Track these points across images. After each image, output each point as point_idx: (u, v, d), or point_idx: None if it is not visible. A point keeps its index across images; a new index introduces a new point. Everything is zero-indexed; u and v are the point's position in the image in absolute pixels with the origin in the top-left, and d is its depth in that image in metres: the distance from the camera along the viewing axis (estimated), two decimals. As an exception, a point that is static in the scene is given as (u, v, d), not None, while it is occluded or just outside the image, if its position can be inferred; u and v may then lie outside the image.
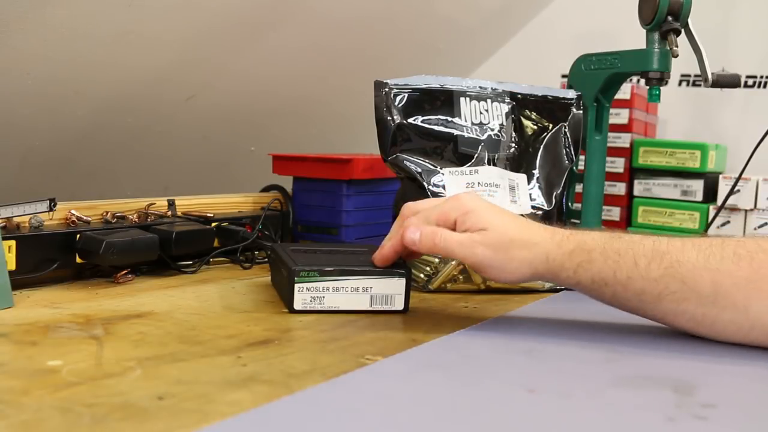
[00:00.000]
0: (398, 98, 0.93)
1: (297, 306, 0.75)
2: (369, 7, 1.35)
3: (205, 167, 1.51)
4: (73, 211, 0.88)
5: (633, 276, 0.66)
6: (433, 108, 0.94)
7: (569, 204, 1.03)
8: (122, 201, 0.95)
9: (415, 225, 0.72)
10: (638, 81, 1.31)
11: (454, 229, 0.71)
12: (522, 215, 0.91)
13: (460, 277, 0.90)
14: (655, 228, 1.24)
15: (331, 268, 0.76)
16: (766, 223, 1.18)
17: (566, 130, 0.98)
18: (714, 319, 0.66)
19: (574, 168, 1.00)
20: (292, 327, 0.71)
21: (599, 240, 0.68)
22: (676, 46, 0.96)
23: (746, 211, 1.19)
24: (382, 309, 0.77)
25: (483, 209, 0.71)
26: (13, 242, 0.79)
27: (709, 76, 0.98)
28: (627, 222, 1.30)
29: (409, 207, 0.76)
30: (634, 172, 1.30)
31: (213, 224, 1.00)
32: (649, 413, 0.52)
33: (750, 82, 1.46)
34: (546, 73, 1.57)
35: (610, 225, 1.28)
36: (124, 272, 0.88)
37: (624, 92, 1.28)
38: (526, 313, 0.82)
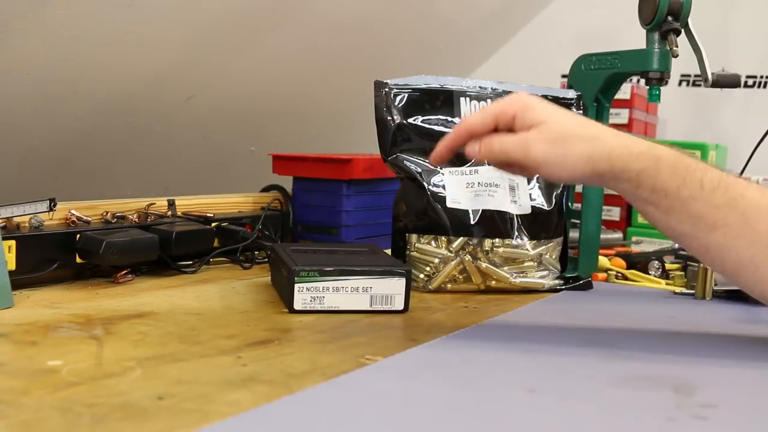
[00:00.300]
0: (398, 98, 0.93)
1: (297, 306, 0.75)
2: (369, 8, 1.35)
3: (205, 167, 1.51)
4: (73, 211, 0.88)
5: (695, 196, 0.63)
6: (433, 108, 0.94)
7: (569, 204, 1.03)
8: (122, 201, 0.95)
9: (475, 119, 0.70)
10: (638, 81, 1.31)
11: (512, 127, 0.68)
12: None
13: (460, 277, 0.90)
14: (655, 228, 1.24)
15: (331, 268, 0.76)
16: (766, 223, 1.17)
17: (566, 130, 0.98)
18: (759, 265, 0.64)
19: (574, 168, 1.00)
20: (292, 327, 0.71)
21: (669, 151, 0.65)
22: (676, 46, 0.96)
23: (746, 211, 1.19)
24: (382, 309, 0.77)
25: (543, 104, 0.68)
26: (13, 242, 0.79)
27: (709, 76, 0.98)
28: (627, 222, 1.30)
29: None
30: (634, 172, 1.29)
31: (213, 224, 1.00)
32: (649, 413, 0.52)
33: (750, 82, 1.46)
34: (546, 73, 1.57)
35: (610, 225, 1.28)
36: (124, 272, 0.88)
37: (624, 92, 1.28)
38: (526, 313, 0.82)
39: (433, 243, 0.90)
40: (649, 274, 1.02)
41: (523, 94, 0.69)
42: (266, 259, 1.02)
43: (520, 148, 0.66)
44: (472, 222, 0.89)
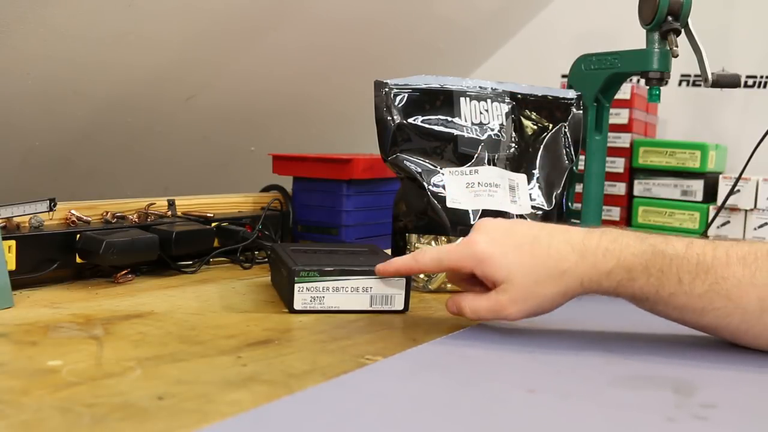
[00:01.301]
0: (398, 98, 0.93)
1: (297, 306, 0.75)
2: (369, 8, 1.35)
3: (205, 167, 1.51)
4: (73, 211, 0.88)
5: (676, 292, 0.64)
6: (433, 108, 0.94)
7: (569, 204, 1.03)
8: (122, 201, 0.95)
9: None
10: (638, 81, 1.31)
11: (472, 274, 0.70)
12: (523, 216, 0.91)
13: (460, 277, 0.90)
14: (655, 228, 1.24)
15: (331, 268, 0.76)
16: (766, 223, 1.18)
17: (566, 130, 0.98)
18: (758, 334, 0.65)
19: (574, 168, 1.00)
20: (292, 327, 0.71)
21: (640, 256, 0.65)
22: (676, 46, 0.96)
23: (746, 211, 1.19)
24: (382, 309, 0.77)
25: (497, 253, 0.67)
26: (13, 242, 0.79)
27: (709, 76, 0.98)
28: (627, 222, 1.30)
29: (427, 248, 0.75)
30: (634, 172, 1.30)
31: (213, 224, 1.00)
32: (649, 413, 0.52)
33: (750, 82, 1.46)
34: (546, 73, 1.57)
35: (610, 225, 1.28)
36: (124, 272, 0.88)
37: (624, 92, 1.28)
38: (526, 313, 0.82)
39: (433, 243, 0.90)
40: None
41: (477, 244, 0.68)
42: (266, 259, 1.02)
43: (494, 314, 0.68)
44: (472, 222, 0.89)
